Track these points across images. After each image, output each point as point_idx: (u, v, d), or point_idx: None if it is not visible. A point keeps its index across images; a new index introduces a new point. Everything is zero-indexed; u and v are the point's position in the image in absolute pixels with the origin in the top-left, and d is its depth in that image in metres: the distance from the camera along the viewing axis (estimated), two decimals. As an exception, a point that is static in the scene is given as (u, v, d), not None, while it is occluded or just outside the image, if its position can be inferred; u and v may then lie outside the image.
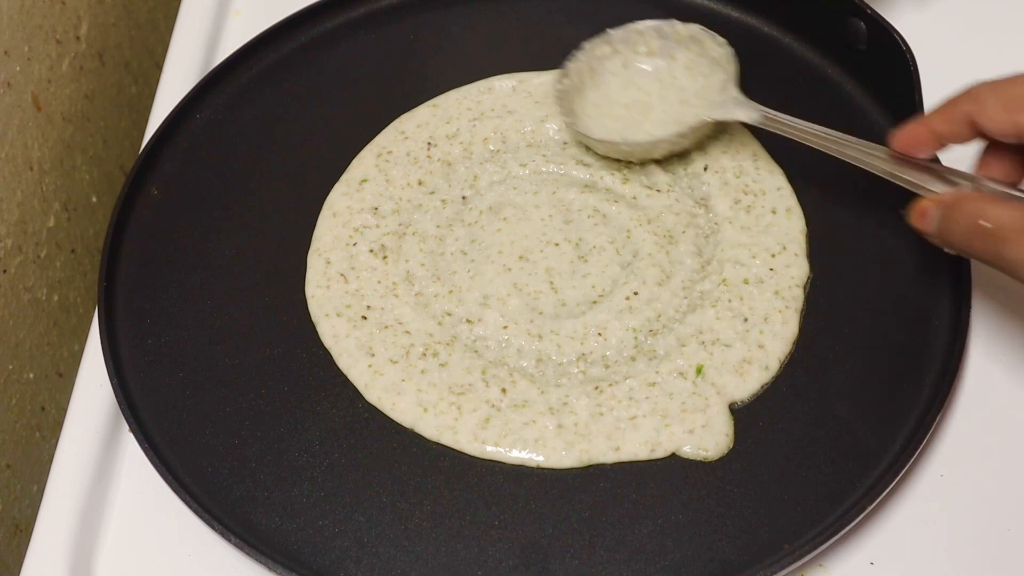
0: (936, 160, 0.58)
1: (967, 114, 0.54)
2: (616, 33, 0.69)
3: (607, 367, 0.60)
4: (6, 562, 0.72)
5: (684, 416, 0.58)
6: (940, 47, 0.71)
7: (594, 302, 0.62)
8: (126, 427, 0.61)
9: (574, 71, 0.68)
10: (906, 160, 0.57)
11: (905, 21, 0.70)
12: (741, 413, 0.58)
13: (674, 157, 0.67)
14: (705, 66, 0.67)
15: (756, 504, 0.56)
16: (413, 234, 0.65)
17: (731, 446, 0.57)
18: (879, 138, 0.65)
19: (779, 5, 0.72)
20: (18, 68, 0.72)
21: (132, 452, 0.61)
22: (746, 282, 0.62)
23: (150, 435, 0.59)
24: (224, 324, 0.63)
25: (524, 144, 0.69)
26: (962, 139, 0.55)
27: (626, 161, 0.67)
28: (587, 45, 0.69)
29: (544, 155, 0.68)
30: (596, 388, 0.59)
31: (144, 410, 0.60)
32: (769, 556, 0.53)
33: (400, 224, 0.66)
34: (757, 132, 0.68)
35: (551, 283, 0.63)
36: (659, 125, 0.66)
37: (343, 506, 0.57)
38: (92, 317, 0.65)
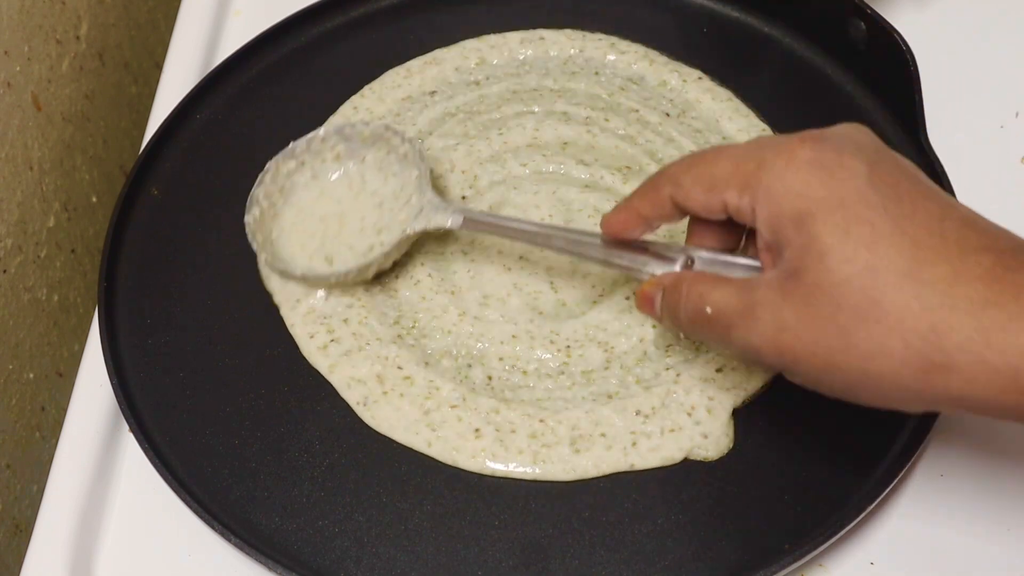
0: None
1: (670, 197, 0.51)
2: (299, 144, 0.64)
3: (607, 369, 0.60)
4: (6, 562, 0.72)
5: (689, 423, 0.57)
6: (940, 47, 0.71)
7: (594, 302, 0.62)
8: (126, 427, 0.61)
9: (263, 196, 0.63)
10: (620, 244, 0.55)
11: (905, 21, 0.70)
12: (741, 413, 0.58)
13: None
14: (395, 164, 0.64)
15: (756, 504, 0.56)
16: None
17: (731, 446, 0.57)
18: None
19: (779, 5, 0.72)
20: (18, 68, 0.72)
21: (132, 452, 0.61)
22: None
23: (150, 435, 0.59)
24: (225, 324, 0.63)
25: (524, 143, 0.69)
26: (671, 219, 0.52)
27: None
28: (271, 165, 0.64)
29: (544, 155, 0.68)
30: (599, 400, 0.58)
31: (144, 410, 0.60)
32: (769, 556, 0.53)
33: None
34: (767, 128, 0.68)
35: (551, 283, 0.63)
36: (358, 234, 0.63)
37: (343, 506, 0.57)
38: (92, 317, 0.65)
